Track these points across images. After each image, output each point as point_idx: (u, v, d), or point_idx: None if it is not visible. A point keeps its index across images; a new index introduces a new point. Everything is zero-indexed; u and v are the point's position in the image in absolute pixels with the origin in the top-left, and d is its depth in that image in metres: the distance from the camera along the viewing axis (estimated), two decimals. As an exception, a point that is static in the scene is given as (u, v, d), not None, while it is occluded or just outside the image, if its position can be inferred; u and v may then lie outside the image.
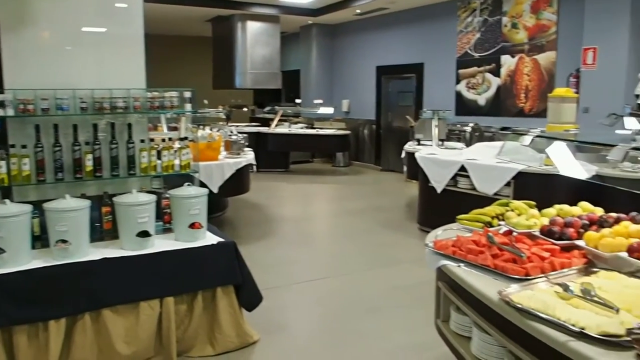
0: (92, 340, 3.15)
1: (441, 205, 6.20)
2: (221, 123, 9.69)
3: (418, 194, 7.00)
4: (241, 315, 3.64)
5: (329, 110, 12.11)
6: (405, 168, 8.10)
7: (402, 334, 3.87)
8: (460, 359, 2.40)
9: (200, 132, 6.23)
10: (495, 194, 5.53)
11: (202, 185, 4.78)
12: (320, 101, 12.42)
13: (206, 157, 5.98)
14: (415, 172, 6.98)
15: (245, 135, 7.20)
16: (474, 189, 5.86)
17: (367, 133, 13.03)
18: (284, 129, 11.99)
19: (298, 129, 12.18)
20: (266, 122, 12.50)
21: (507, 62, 9.42)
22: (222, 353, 3.51)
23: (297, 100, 13.08)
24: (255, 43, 12.38)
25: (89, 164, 3.45)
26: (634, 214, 2.68)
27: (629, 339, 1.52)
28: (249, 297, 3.66)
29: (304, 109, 12.76)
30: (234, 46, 12.45)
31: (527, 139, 2.44)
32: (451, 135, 9.04)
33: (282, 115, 12.36)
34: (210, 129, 6.60)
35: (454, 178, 6.18)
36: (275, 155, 11.85)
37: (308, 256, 5.90)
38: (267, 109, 12.95)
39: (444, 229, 2.90)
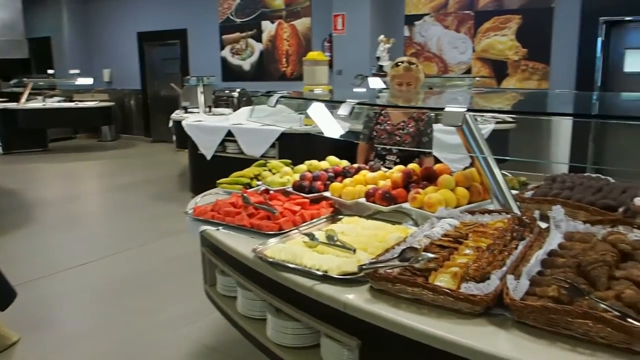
0: None
1: (212, 171, 6.10)
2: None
3: (189, 163, 6.92)
4: (-8, 316, 3.23)
5: (88, 80, 11.19)
6: (174, 137, 7.92)
7: (176, 304, 3.82)
8: (229, 319, 2.45)
9: None
10: (263, 156, 5.71)
11: None
12: (77, 71, 11.41)
13: None
14: (185, 140, 6.86)
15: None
16: (242, 152, 5.99)
17: (134, 103, 12.41)
18: (37, 104, 10.81)
19: (54, 102, 11.07)
20: (15, 97, 11.08)
21: (268, 27, 9.70)
22: (-27, 362, 3.10)
23: (50, 71, 11.81)
24: (-10, 5, 10.78)
25: None
26: (372, 162, 2.99)
27: (361, 274, 1.69)
28: (0, 295, 3.26)
29: (60, 80, 11.61)
30: (-39, 9, 10.68)
31: (272, 100, 2.53)
32: (219, 101, 9.07)
33: (33, 89, 11.09)
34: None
35: (222, 144, 6.22)
36: (30, 133, 10.68)
37: (74, 240, 5.45)
38: (14, 81, 11.45)
39: (204, 194, 2.89)
